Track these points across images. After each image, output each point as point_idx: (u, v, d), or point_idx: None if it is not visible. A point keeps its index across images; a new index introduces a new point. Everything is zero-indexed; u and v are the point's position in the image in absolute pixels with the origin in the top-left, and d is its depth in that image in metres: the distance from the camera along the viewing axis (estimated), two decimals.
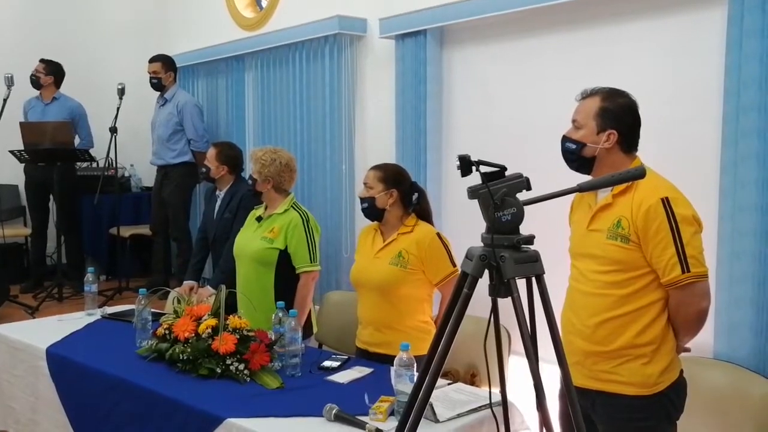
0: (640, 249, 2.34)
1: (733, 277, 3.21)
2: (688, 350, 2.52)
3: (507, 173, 1.88)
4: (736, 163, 3.19)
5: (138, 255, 7.24)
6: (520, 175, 1.88)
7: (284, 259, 3.82)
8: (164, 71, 6.48)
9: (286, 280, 3.82)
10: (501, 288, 1.81)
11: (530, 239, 1.84)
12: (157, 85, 6.53)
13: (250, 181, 3.97)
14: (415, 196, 3.49)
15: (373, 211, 3.45)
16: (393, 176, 3.46)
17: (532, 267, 1.84)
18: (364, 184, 3.49)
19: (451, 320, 1.81)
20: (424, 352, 3.19)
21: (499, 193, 1.81)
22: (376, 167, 3.52)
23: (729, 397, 3.04)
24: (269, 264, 3.82)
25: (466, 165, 1.82)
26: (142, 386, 2.89)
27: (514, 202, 1.83)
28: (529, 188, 1.86)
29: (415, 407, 1.89)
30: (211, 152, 4.73)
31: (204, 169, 4.78)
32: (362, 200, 3.48)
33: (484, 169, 1.84)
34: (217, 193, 4.76)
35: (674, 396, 2.42)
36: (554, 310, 2.59)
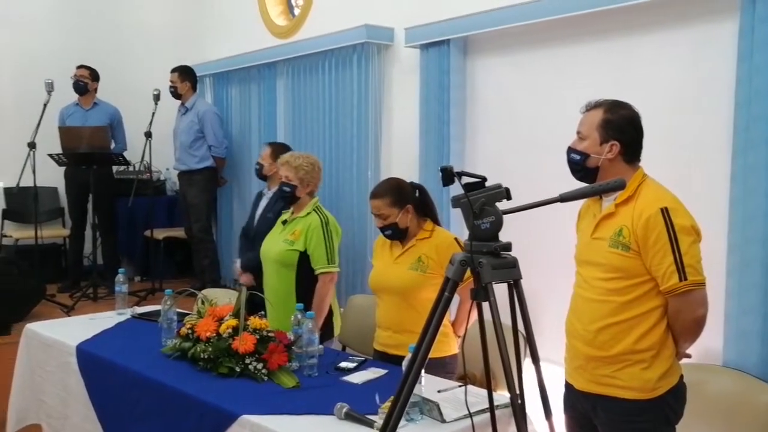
0: (640, 257, 2.40)
1: (742, 286, 3.23)
2: (688, 356, 2.56)
3: (488, 183, 1.96)
4: (746, 173, 3.22)
5: (172, 257, 7.40)
6: (499, 186, 1.95)
7: (305, 260, 3.92)
8: (180, 81, 6.72)
9: (307, 281, 3.91)
10: (480, 292, 1.90)
11: (507, 246, 1.92)
12: (174, 93, 6.76)
13: (287, 189, 4.02)
14: (417, 192, 3.53)
15: (398, 233, 3.45)
16: (399, 194, 3.44)
17: (510, 272, 1.93)
18: (377, 215, 3.46)
19: (434, 321, 1.90)
20: (442, 354, 3.32)
21: (478, 203, 1.90)
22: (378, 195, 3.47)
23: (737, 404, 3.08)
24: (290, 265, 3.92)
25: (447, 176, 1.91)
26: (163, 383, 2.99)
27: (492, 211, 1.92)
28: (508, 198, 1.94)
29: (399, 403, 1.98)
30: (267, 151, 5.03)
31: (257, 166, 5.09)
32: (384, 228, 3.46)
33: (465, 179, 1.92)
34: (265, 191, 5.01)
35: (673, 401, 2.47)
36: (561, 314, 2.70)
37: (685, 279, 2.33)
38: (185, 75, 6.75)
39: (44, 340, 3.77)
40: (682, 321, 2.41)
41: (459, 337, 3.48)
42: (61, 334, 3.74)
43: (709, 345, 3.05)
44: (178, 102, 6.84)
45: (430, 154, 4.90)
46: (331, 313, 4.05)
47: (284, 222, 4.08)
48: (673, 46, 3.69)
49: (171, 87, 6.73)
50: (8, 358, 3.99)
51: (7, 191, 7.03)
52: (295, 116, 6.25)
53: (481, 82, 4.75)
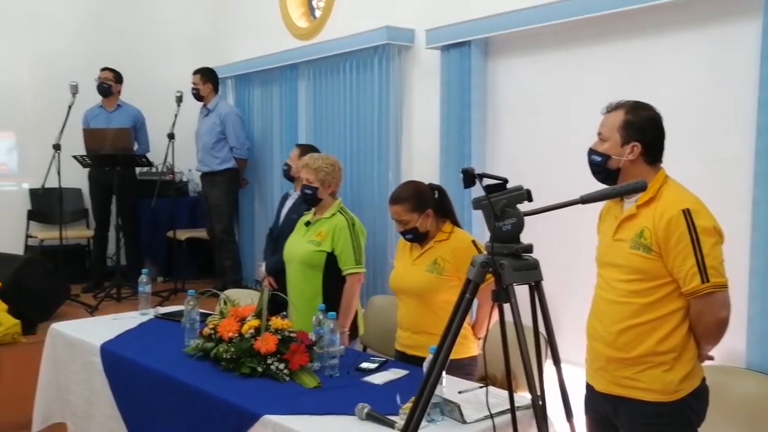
0: (662, 259, 2.39)
1: (765, 288, 3.21)
2: (711, 358, 2.55)
3: (509, 185, 1.97)
4: None
5: (194, 257, 7.45)
6: (520, 188, 1.96)
7: (331, 261, 3.93)
8: (202, 83, 6.78)
9: (333, 282, 3.94)
10: (502, 294, 1.90)
11: (529, 248, 1.93)
12: (197, 95, 6.81)
13: (309, 191, 4.03)
14: (436, 193, 3.52)
15: (419, 237, 3.45)
16: (419, 199, 3.42)
17: (531, 274, 1.93)
18: (398, 220, 3.45)
19: (455, 323, 1.91)
20: (460, 355, 3.32)
21: (500, 204, 1.91)
22: (397, 200, 3.45)
23: (760, 407, 3.06)
24: (317, 267, 3.94)
25: (468, 177, 1.92)
26: (186, 383, 3.02)
27: (514, 213, 1.92)
28: (530, 200, 1.94)
29: (420, 404, 1.99)
30: (295, 152, 5.12)
31: (285, 167, 5.18)
32: (404, 233, 3.45)
33: (486, 181, 1.93)
34: (291, 192, 5.07)
35: (695, 403, 2.47)
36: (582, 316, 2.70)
37: (708, 281, 2.32)
38: (207, 77, 6.81)
39: (69, 340, 3.80)
40: (705, 323, 2.40)
41: (479, 339, 3.48)
42: (85, 334, 3.77)
43: (732, 347, 3.03)
44: (200, 104, 6.89)
45: (451, 155, 4.90)
46: (355, 313, 4.06)
47: (307, 223, 4.09)
48: (696, 46, 3.67)
49: (193, 89, 6.79)
50: (34, 357, 4.03)
51: (33, 192, 7.14)
52: (317, 118, 6.27)
53: (502, 84, 4.75)
